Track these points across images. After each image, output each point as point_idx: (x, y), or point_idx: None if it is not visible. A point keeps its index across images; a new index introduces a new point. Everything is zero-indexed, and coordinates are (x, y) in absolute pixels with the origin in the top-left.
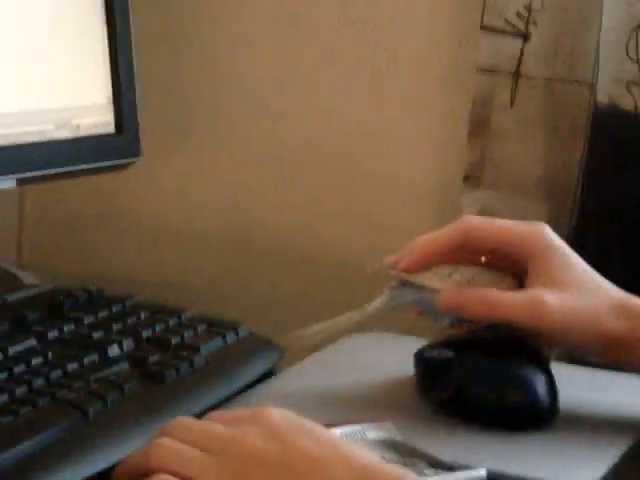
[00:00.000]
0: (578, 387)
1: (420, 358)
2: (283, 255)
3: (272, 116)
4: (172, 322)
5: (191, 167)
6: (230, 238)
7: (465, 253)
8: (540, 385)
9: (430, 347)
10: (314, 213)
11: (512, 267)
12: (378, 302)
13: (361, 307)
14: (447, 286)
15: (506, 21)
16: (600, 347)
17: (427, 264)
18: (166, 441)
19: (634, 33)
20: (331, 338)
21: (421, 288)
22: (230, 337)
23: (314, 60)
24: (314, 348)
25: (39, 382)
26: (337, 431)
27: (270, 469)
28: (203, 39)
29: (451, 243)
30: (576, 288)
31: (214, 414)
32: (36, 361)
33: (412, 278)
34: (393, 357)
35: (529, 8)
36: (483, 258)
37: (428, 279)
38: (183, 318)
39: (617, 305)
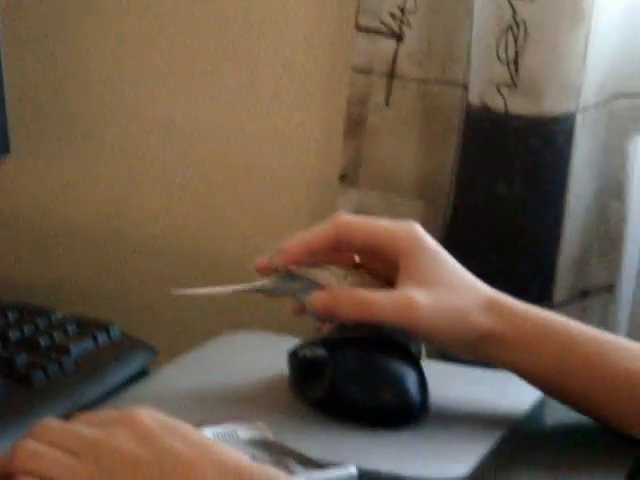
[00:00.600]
0: (449, 383)
1: (294, 357)
2: (159, 256)
3: (154, 122)
4: (41, 323)
5: (74, 170)
6: (105, 238)
7: (338, 251)
8: (410, 382)
9: (303, 346)
10: (186, 211)
11: (384, 266)
12: (264, 281)
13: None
14: (335, 284)
15: (380, 21)
16: (470, 344)
17: (298, 262)
18: (31, 443)
19: (504, 35)
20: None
21: (308, 281)
22: (101, 338)
23: (195, 62)
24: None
25: None
26: (208, 431)
27: (139, 471)
28: (89, 37)
29: (324, 241)
30: (445, 286)
31: (82, 416)
32: None
33: (301, 271)
34: (267, 356)
35: (403, 9)
36: (356, 257)
37: (317, 274)
38: (53, 319)
39: (486, 302)
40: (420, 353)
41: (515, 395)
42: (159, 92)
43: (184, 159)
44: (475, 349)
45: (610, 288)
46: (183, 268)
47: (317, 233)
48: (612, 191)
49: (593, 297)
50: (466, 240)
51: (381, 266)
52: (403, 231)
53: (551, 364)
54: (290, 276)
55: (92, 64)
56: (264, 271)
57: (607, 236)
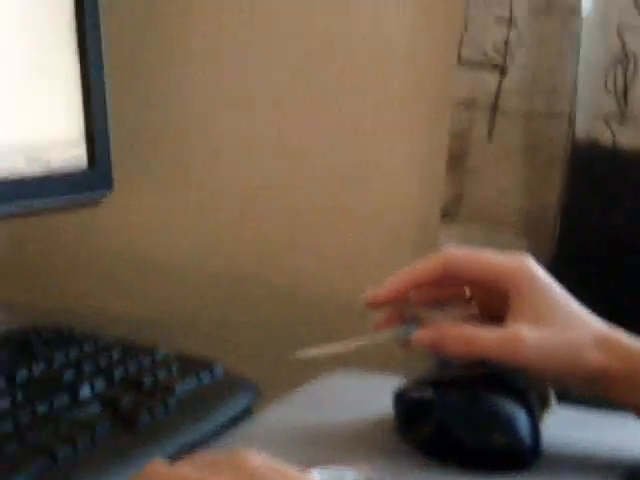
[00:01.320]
0: (562, 426)
1: (399, 398)
2: (258, 292)
3: (237, 155)
4: (145, 361)
5: (161, 204)
6: (203, 274)
7: (446, 285)
8: (522, 425)
9: (409, 386)
10: (287, 248)
11: (495, 300)
12: (388, 332)
13: (369, 334)
14: None
15: (484, 54)
16: (582, 382)
17: (404, 296)
18: None
19: (613, 68)
20: (334, 359)
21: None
22: (205, 376)
23: (299, 94)
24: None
25: (6, 425)
26: (316, 475)
27: None
28: (178, 75)
29: (430, 275)
30: (557, 322)
31: (188, 457)
32: (3, 403)
33: (425, 313)
34: (372, 396)
35: (507, 41)
36: (467, 290)
37: (440, 317)
38: (156, 357)
39: (599, 339)
40: (548, 399)
41: (634, 439)
42: (266, 127)
43: (284, 198)
44: (588, 387)
45: None
46: (283, 306)
47: (424, 266)
48: None
49: None
50: (572, 280)
51: (491, 300)
52: (515, 265)
53: None
54: (414, 322)
55: (194, 105)
56: (373, 305)
57: None
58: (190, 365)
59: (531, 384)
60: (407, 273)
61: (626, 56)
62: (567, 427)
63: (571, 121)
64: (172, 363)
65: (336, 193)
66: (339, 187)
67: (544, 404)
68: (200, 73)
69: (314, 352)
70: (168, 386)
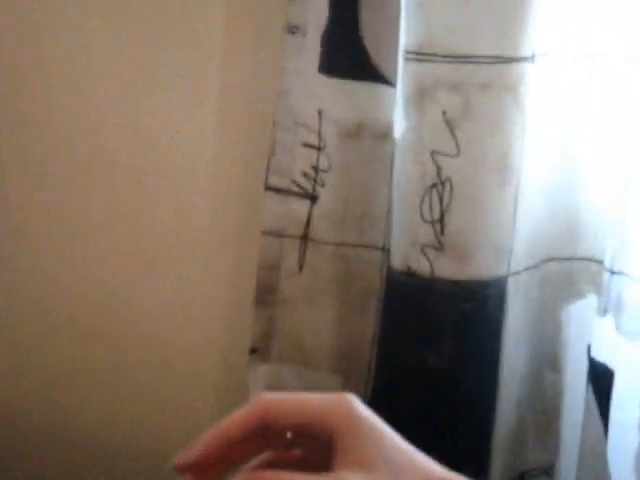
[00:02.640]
0: None
1: None
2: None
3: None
4: None
5: None
6: None
7: (264, 436)
8: None
9: None
10: (83, 396)
11: (320, 444)
12: None
13: None
14: None
15: (292, 181)
16: None
17: (220, 456)
18: None
19: (428, 193)
20: None
21: None
22: None
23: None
24: None
25: None
26: None
27: None
28: None
29: (246, 428)
30: (386, 467)
31: None
32: None
33: None
34: None
35: (316, 168)
36: (289, 434)
37: None
38: None
39: None
40: None
41: None
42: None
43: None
44: None
45: (550, 468)
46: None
47: (236, 421)
48: (546, 361)
49: None
50: (389, 419)
51: (317, 445)
52: (336, 407)
53: None
54: None
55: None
56: (184, 470)
57: (543, 412)
58: None
59: None
60: (220, 430)
61: (441, 181)
62: None
63: (385, 250)
64: None
65: (134, 335)
66: (137, 327)
67: None
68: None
69: None
70: None
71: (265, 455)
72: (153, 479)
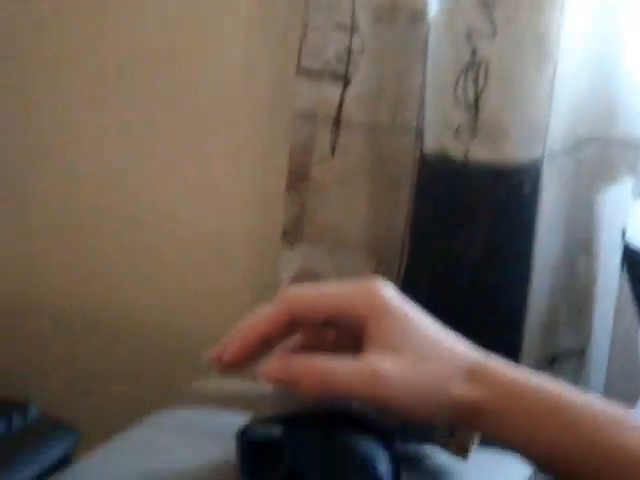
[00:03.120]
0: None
1: (243, 438)
2: (83, 325)
3: (70, 177)
4: None
5: None
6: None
7: (296, 329)
8: (382, 466)
9: (255, 424)
10: (119, 276)
11: (352, 334)
12: None
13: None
14: None
15: (325, 63)
16: (452, 418)
17: (252, 353)
18: None
19: (463, 76)
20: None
21: None
22: (16, 420)
23: (128, 113)
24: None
25: None
26: None
27: None
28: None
29: (277, 326)
30: (418, 352)
31: None
32: None
33: None
34: (211, 436)
35: (349, 49)
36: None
37: None
38: None
39: (469, 370)
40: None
41: (501, 476)
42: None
43: (119, 223)
44: (458, 422)
45: (581, 353)
46: (112, 341)
47: (267, 319)
48: (580, 246)
49: (563, 363)
50: (420, 302)
51: (349, 336)
52: (364, 293)
53: (544, 443)
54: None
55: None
56: (220, 369)
57: (576, 296)
58: None
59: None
60: (250, 328)
61: (477, 63)
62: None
63: (419, 134)
64: None
65: (170, 219)
66: (172, 212)
67: (463, 447)
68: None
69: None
70: None
71: (298, 338)
72: (185, 363)
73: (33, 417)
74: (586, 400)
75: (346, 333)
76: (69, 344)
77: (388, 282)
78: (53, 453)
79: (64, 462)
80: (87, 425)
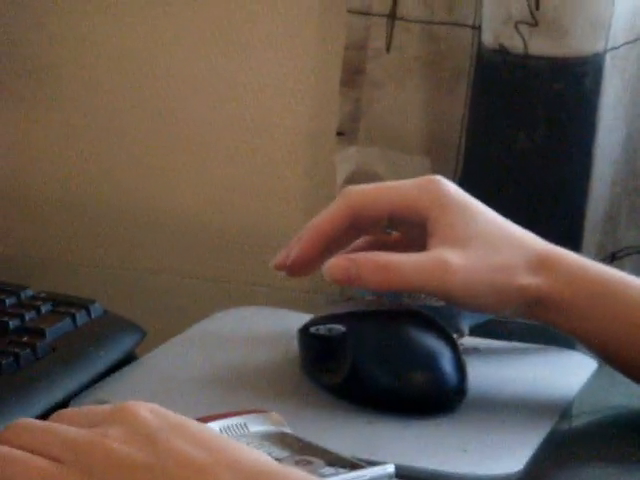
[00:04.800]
0: (488, 362)
1: (305, 335)
2: (138, 225)
3: (136, 73)
4: (9, 301)
5: (44, 132)
6: (72, 207)
7: (360, 229)
8: (445, 361)
9: (317, 322)
10: (175, 171)
11: (415, 232)
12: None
13: None
14: None
15: None
16: (518, 308)
17: (318, 254)
18: (4, 450)
19: None
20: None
21: None
22: (80, 317)
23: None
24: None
25: None
26: (215, 426)
27: (140, 478)
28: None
29: (339, 224)
30: (484, 242)
31: (64, 413)
32: None
33: None
34: (272, 333)
35: None
36: (384, 222)
37: None
38: (23, 297)
39: (536, 259)
40: (461, 331)
41: (566, 372)
42: (141, 42)
43: (169, 115)
44: (525, 313)
45: None
46: (172, 237)
47: (329, 218)
48: None
49: (623, 259)
50: (480, 200)
51: (411, 234)
52: (425, 189)
53: (611, 332)
54: None
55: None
56: (284, 268)
57: (637, 192)
58: (63, 305)
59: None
60: (313, 229)
61: None
62: (489, 363)
63: (476, 28)
64: (41, 303)
65: (224, 112)
66: (228, 106)
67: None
68: None
69: None
70: (37, 328)
71: (363, 239)
72: (244, 260)
73: (97, 315)
74: None
75: (410, 234)
76: (131, 244)
77: (446, 179)
78: (119, 350)
79: (130, 358)
80: (150, 325)
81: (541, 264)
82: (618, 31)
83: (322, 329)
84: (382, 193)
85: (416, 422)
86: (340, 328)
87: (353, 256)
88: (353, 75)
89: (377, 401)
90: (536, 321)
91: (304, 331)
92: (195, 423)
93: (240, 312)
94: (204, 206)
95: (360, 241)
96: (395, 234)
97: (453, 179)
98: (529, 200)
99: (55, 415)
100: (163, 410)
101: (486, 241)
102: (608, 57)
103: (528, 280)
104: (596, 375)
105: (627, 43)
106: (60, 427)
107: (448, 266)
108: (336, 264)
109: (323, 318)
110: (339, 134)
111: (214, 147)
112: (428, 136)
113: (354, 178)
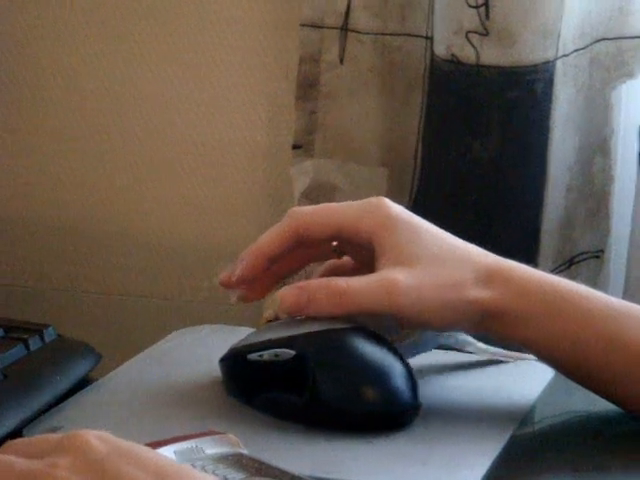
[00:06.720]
0: (439, 374)
1: (243, 362)
2: (89, 246)
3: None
4: None
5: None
6: (21, 228)
7: (305, 249)
8: (398, 377)
9: (246, 350)
10: (133, 199)
11: (361, 253)
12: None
13: None
14: None
15: None
16: (472, 322)
17: (261, 273)
18: None
19: None
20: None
21: None
22: (34, 343)
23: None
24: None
25: None
26: (170, 449)
27: None
28: None
29: (282, 244)
30: (431, 260)
31: (14, 444)
32: None
33: None
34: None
35: None
36: (334, 243)
37: None
38: None
39: (485, 272)
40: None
41: (524, 379)
42: (96, 63)
43: (122, 133)
44: (478, 327)
45: (599, 254)
46: (125, 258)
47: (273, 237)
48: (596, 146)
49: (581, 264)
50: (437, 210)
51: (357, 255)
52: (368, 209)
53: (564, 341)
54: None
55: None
56: (228, 286)
57: (593, 197)
58: (16, 331)
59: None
60: (257, 247)
61: None
62: (445, 374)
63: (429, 38)
64: None
65: (177, 130)
66: (179, 123)
67: None
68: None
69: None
70: None
71: (323, 267)
72: (200, 277)
73: (51, 339)
74: (603, 297)
75: (360, 257)
76: (81, 266)
77: (390, 200)
78: (73, 374)
79: (85, 383)
80: (104, 348)
81: (490, 277)
82: (568, 38)
83: (266, 355)
84: (327, 214)
85: (374, 438)
86: (289, 352)
87: (303, 284)
88: (308, 88)
89: (336, 421)
90: (489, 334)
91: (238, 359)
92: (145, 449)
93: (197, 331)
94: (159, 224)
95: (321, 269)
96: (348, 259)
97: (410, 189)
98: (486, 208)
99: (5, 446)
100: (112, 437)
101: (434, 258)
102: (559, 64)
103: (478, 294)
104: (554, 382)
105: (577, 50)
106: (10, 459)
107: (397, 286)
108: (286, 294)
109: (253, 345)
110: (295, 147)
111: (168, 164)
112: (384, 147)
113: (311, 191)
